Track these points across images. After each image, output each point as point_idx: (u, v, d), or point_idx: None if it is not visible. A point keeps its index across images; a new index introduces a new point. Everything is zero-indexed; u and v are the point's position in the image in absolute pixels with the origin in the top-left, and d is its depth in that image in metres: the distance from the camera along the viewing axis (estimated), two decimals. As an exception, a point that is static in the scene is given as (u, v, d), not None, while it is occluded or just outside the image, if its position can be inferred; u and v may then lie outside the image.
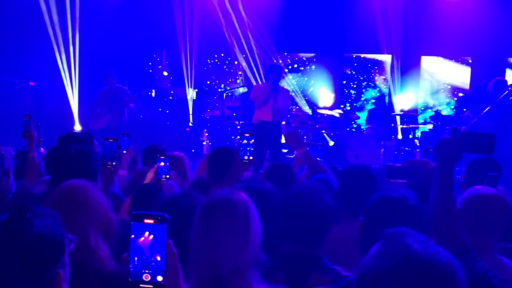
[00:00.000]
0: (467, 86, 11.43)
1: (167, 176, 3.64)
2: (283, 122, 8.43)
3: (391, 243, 1.24)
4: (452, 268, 1.18)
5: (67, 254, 1.39)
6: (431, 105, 11.62)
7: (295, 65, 12.22)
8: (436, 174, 1.94)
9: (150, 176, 3.86)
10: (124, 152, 4.66)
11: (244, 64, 11.34)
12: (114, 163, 3.04)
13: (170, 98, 11.86)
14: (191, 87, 11.67)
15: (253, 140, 3.04)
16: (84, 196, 2.02)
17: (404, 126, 10.12)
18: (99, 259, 1.93)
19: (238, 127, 10.52)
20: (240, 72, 12.33)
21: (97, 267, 1.90)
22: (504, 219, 2.30)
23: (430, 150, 3.52)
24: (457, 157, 1.92)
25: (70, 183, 2.11)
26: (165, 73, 12.21)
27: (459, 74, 11.52)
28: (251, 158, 3.05)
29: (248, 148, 3.04)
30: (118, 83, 9.20)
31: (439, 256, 1.19)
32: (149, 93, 11.91)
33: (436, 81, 11.69)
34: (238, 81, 12.43)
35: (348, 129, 10.96)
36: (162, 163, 3.64)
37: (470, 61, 11.27)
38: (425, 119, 11.03)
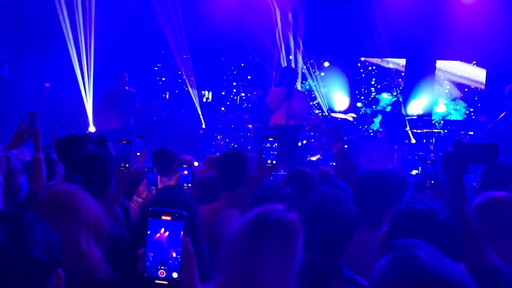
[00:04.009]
0: (483, 91, 11.31)
1: (189, 185, 3.66)
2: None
3: (401, 256, 1.22)
4: (462, 283, 1.15)
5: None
6: (451, 112, 11.47)
7: (312, 70, 12.19)
8: (447, 190, 1.89)
9: (172, 184, 3.89)
10: (138, 154, 4.65)
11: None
12: (127, 165, 3.03)
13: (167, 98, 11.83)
14: (195, 89, 11.57)
15: (276, 144, 3.01)
16: (71, 200, 2.00)
17: (415, 131, 10.04)
18: (91, 264, 1.91)
19: (249, 134, 10.49)
20: (249, 77, 12.32)
21: (88, 272, 1.89)
22: None
23: (428, 162, 3.40)
24: (464, 170, 1.88)
25: (56, 188, 2.10)
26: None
27: (476, 78, 11.39)
28: (274, 162, 3.01)
29: (271, 152, 3.01)
30: (129, 85, 8.83)
31: (448, 270, 1.16)
32: (163, 95, 11.93)
33: (454, 89, 11.56)
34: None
35: (359, 130, 10.88)
36: (185, 172, 3.66)
37: (486, 71, 11.16)
38: (437, 122, 10.95)
